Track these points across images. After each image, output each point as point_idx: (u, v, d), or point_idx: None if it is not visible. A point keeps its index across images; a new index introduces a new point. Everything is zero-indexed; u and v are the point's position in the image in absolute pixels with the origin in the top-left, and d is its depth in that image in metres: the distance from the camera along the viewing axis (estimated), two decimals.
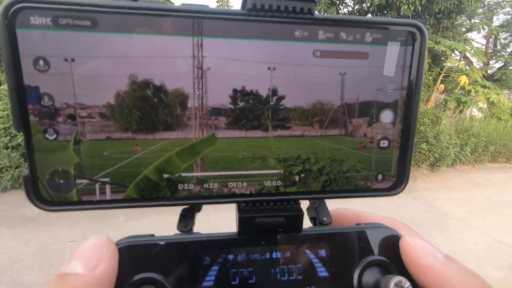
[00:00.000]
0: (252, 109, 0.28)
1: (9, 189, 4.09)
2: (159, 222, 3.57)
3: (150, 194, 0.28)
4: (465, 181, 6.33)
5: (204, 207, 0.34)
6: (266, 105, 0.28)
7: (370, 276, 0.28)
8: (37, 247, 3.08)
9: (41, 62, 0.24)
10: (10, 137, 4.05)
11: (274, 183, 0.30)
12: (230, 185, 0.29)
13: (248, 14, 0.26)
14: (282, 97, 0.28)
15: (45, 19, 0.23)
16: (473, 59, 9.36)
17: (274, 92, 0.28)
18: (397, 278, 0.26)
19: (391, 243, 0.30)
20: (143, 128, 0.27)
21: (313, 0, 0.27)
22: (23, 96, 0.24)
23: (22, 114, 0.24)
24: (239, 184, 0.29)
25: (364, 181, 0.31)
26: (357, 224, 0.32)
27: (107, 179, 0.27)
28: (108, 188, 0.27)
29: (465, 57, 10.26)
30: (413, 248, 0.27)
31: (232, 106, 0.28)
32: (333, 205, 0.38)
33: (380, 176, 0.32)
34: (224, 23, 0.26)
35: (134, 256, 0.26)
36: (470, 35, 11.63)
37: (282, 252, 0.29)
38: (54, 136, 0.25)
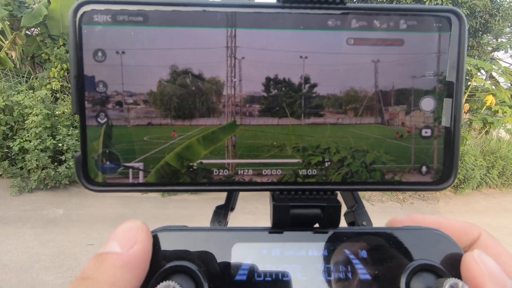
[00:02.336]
0: (285, 97, 0.28)
1: (34, 190, 4.26)
2: None
3: (170, 180, 0.29)
4: (492, 205, 6.00)
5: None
6: (298, 93, 0.28)
7: (421, 281, 0.25)
8: (56, 249, 3.16)
9: (99, 54, 0.27)
10: (40, 140, 4.25)
11: (297, 172, 0.29)
12: (265, 172, 0.29)
13: (282, 6, 0.28)
14: (315, 85, 0.28)
15: (106, 17, 0.27)
16: (501, 79, 9.05)
17: (306, 80, 0.28)
18: (453, 280, 0.23)
19: (448, 252, 0.27)
20: (181, 114, 0.28)
21: None
22: (82, 84, 0.27)
23: (80, 99, 0.27)
24: (273, 172, 0.29)
25: (401, 173, 0.30)
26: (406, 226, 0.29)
27: (140, 164, 0.28)
28: (141, 173, 0.29)
29: (492, 77, 9.95)
30: (479, 268, 0.24)
31: (265, 94, 0.28)
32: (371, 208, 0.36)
33: (424, 169, 0.30)
34: (260, 15, 0.28)
35: (167, 244, 0.27)
36: (497, 54, 11.31)
37: (318, 250, 0.28)
38: (105, 120, 0.28)
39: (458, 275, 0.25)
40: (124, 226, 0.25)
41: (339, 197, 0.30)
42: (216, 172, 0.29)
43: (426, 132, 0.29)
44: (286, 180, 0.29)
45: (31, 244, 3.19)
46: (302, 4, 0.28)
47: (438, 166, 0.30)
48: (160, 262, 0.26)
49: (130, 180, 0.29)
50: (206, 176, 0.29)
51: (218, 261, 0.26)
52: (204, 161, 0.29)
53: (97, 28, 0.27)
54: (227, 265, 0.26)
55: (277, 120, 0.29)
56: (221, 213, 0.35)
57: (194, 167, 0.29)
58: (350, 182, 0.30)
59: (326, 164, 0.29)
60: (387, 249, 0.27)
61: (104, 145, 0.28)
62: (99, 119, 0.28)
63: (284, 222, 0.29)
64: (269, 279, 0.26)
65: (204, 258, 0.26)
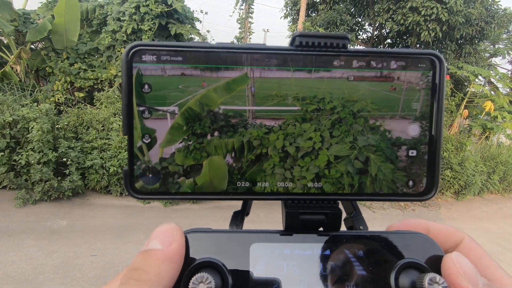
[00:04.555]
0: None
1: (38, 202, 4.29)
2: None
3: (193, 122, 0.34)
4: (494, 211, 5.97)
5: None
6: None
7: (407, 276, 0.30)
8: (60, 260, 3.17)
9: (146, 86, 0.33)
10: (42, 154, 4.29)
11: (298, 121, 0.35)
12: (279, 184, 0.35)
13: (295, 50, 0.34)
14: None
15: (151, 57, 0.33)
16: (499, 85, 9.10)
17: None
18: (432, 274, 0.28)
19: (432, 253, 0.32)
20: (208, 68, 0.34)
21: (346, 37, 0.34)
22: (131, 111, 0.33)
23: (129, 123, 0.33)
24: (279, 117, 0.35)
25: (383, 120, 0.35)
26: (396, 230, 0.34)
27: (175, 108, 0.34)
28: (180, 182, 0.34)
29: (490, 83, 10.00)
30: (455, 267, 0.28)
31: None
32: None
33: (411, 183, 0.35)
34: (276, 56, 0.34)
35: (197, 243, 0.31)
36: (494, 60, 11.40)
37: (322, 249, 0.33)
38: (149, 140, 0.34)
39: (439, 273, 0.29)
40: (162, 227, 0.30)
41: (340, 206, 0.36)
42: (246, 184, 0.35)
43: (412, 152, 0.35)
44: (297, 192, 0.35)
45: (35, 255, 3.21)
46: (311, 48, 0.34)
47: (420, 180, 0.36)
48: (191, 258, 0.30)
49: (169, 190, 0.34)
50: (224, 120, 0.34)
51: (239, 258, 0.31)
52: (223, 107, 0.34)
53: (145, 66, 0.33)
54: (246, 261, 0.31)
55: (285, 74, 0.34)
56: (238, 217, 0.40)
57: (214, 112, 0.34)
58: (348, 193, 0.36)
59: (320, 112, 0.35)
60: (380, 250, 0.32)
61: (148, 161, 0.34)
62: (144, 139, 0.34)
63: (295, 226, 0.34)
64: (282, 273, 0.31)
65: (227, 255, 0.31)
